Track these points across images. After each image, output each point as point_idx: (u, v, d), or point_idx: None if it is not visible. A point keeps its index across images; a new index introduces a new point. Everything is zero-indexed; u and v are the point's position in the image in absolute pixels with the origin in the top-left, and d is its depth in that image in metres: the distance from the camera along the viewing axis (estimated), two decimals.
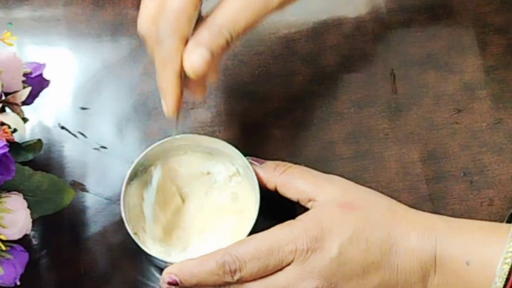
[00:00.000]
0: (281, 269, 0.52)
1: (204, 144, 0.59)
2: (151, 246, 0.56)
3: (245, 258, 0.51)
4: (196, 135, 0.59)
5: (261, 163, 0.58)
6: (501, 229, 0.51)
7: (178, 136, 0.58)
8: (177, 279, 0.52)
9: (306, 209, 0.56)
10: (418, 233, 0.52)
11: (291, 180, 0.56)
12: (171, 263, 0.53)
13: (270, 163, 0.58)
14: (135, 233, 0.56)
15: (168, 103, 0.54)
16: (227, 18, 0.52)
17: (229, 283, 0.52)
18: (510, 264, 0.49)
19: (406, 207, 0.55)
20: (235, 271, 0.51)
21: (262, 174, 0.57)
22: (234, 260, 0.51)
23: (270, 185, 0.57)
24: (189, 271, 0.52)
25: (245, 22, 0.52)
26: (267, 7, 0.53)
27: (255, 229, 0.55)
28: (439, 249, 0.52)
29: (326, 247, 0.51)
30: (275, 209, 0.58)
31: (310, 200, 0.55)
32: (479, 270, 0.50)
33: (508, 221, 0.52)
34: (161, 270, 0.55)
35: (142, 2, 0.54)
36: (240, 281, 0.52)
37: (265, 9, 0.53)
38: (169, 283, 0.53)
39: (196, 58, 0.51)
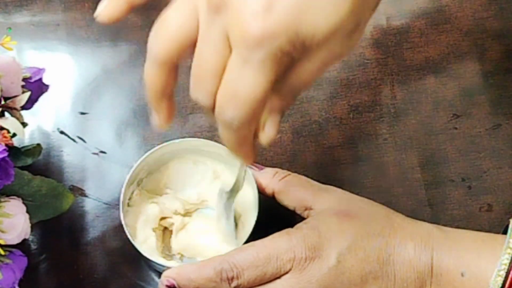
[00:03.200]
0: (279, 277, 0.52)
1: (204, 149, 0.59)
2: (150, 251, 0.56)
3: (242, 266, 0.51)
4: (195, 139, 0.59)
5: (260, 169, 0.58)
6: (496, 240, 0.51)
7: (177, 141, 0.58)
8: (175, 283, 0.52)
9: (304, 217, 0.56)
10: (415, 243, 0.52)
11: (289, 187, 0.57)
12: (169, 267, 0.53)
13: (269, 170, 0.58)
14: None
15: (247, 162, 0.49)
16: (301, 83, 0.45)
17: None
18: (503, 276, 0.49)
19: (403, 217, 0.55)
20: (232, 278, 0.51)
21: (260, 180, 0.57)
22: (231, 268, 0.51)
23: (268, 191, 0.57)
24: (187, 276, 0.52)
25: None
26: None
27: (254, 235, 0.55)
28: (436, 260, 0.52)
29: (324, 256, 0.51)
30: (274, 216, 0.58)
31: (306, 209, 0.56)
32: (474, 281, 0.50)
33: (505, 232, 0.52)
34: (160, 274, 0.55)
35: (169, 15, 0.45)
36: None
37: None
38: (167, 286, 0.53)
39: (272, 130, 0.46)
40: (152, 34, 0.45)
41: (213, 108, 0.43)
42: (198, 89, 0.43)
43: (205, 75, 0.42)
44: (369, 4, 0.45)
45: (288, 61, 0.42)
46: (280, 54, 0.40)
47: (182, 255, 0.58)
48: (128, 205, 0.58)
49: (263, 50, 0.40)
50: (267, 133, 0.46)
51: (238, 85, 0.41)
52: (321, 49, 0.42)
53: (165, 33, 0.44)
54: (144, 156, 0.57)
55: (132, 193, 0.58)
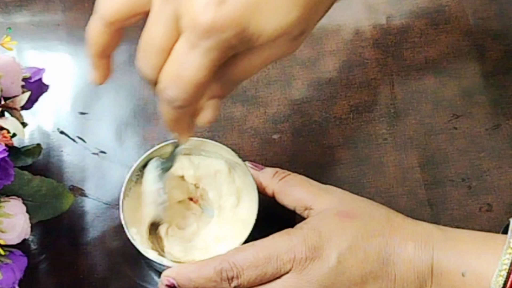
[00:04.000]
0: (279, 277, 0.52)
1: (204, 148, 0.59)
2: (150, 250, 0.56)
3: (242, 266, 0.51)
4: (195, 139, 0.59)
5: (260, 169, 0.58)
6: (497, 240, 0.51)
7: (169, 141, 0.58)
8: (175, 283, 0.52)
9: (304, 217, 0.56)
10: (415, 243, 0.52)
11: (289, 187, 0.57)
12: (169, 267, 0.53)
13: (269, 170, 0.58)
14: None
15: (182, 139, 0.51)
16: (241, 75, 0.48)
17: None
18: (504, 276, 0.49)
19: (403, 216, 0.55)
20: (232, 278, 0.51)
21: (260, 180, 0.57)
22: (231, 267, 0.51)
23: (268, 191, 0.57)
24: (186, 276, 0.52)
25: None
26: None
27: (254, 236, 0.55)
28: (436, 260, 0.52)
29: (325, 256, 0.51)
30: (274, 216, 0.58)
31: (306, 209, 0.56)
32: (474, 281, 0.50)
33: (504, 231, 0.52)
34: (160, 274, 0.55)
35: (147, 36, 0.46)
36: None
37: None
38: (167, 286, 0.53)
39: (210, 114, 0.48)
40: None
41: (155, 82, 0.46)
42: (144, 62, 0.46)
43: (152, 51, 0.45)
44: (318, 12, 0.47)
45: (232, 53, 0.44)
46: (225, 46, 0.43)
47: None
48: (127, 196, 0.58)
49: (210, 40, 0.42)
50: (205, 116, 0.48)
51: (183, 67, 0.43)
52: (265, 47, 0.45)
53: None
54: (143, 155, 0.57)
55: (130, 189, 0.58)
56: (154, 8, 0.44)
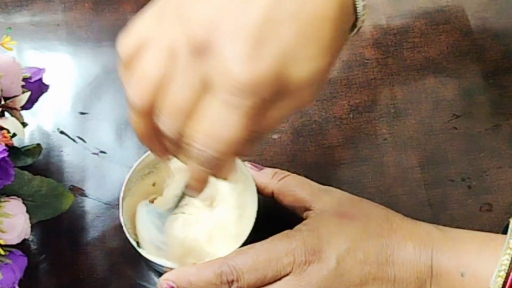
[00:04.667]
0: (279, 279, 0.52)
1: None
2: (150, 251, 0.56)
3: (242, 269, 0.51)
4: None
5: (259, 169, 0.58)
6: (496, 240, 0.51)
7: None
8: (175, 286, 0.52)
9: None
10: (414, 243, 0.52)
11: (288, 188, 0.57)
12: (169, 268, 0.53)
13: (268, 170, 0.58)
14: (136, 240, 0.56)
15: (197, 191, 0.49)
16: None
17: None
18: (503, 276, 0.49)
19: (402, 217, 0.55)
20: (232, 281, 0.51)
21: (259, 180, 0.57)
22: (231, 271, 0.51)
23: (267, 191, 0.57)
24: (186, 279, 0.52)
25: None
26: None
27: (254, 236, 0.55)
28: (435, 260, 0.52)
29: (324, 258, 0.51)
30: (274, 216, 0.58)
31: (305, 210, 0.56)
32: (474, 282, 0.50)
33: (504, 231, 0.52)
34: (159, 274, 0.55)
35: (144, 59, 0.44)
36: None
37: None
38: None
39: (230, 171, 0.47)
40: (128, 80, 0.45)
41: (177, 143, 0.44)
42: (169, 126, 0.43)
43: (179, 114, 0.43)
44: (336, 57, 0.46)
45: (266, 107, 0.42)
46: (264, 101, 0.41)
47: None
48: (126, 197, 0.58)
49: (248, 97, 0.40)
50: (224, 172, 0.46)
51: (220, 126, 0.42)
52: (293, 96, 0.43)
53: (143, 83, 0.44)
54: (143, 156, 0.57)
55: (130, 190, 0.58)
56: (179, 70, 0.42)
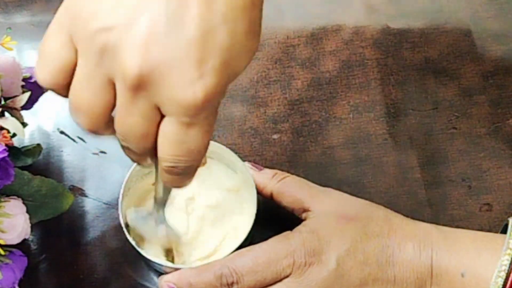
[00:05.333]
0: (279, 281, 0.52)
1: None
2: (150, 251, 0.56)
3: (242, 271, 0.51)
4: None
5: (259, 170, 0.58)
6: (496, 240, 0.51)
7: None
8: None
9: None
10: (414, 244, 0.52)
11: (288, 189, 0.57)
12: (168, 267, 0.54)
13: (268, 171, 0.58)
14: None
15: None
16: None
17: None
18: (504, 277, 0.49)
19: (402, 217, 0.55)
20: (232, 283, 0.51)
21: (259, 180, 0.57)
22: (231, 273, 0.51)
23: (266, 191, 0.57)
24: (187, 281, 0.52)
25: None
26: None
27: (253, 237, 0.55)
28: (435, 260, 0.52)
29: (324, 260, 0.51)
30: (273, 218, 0.58)
31: (304, 211, 0.56)
32: (474, 282, 0.50)
33: (503, 231, 0.52)
34: (159, 274, 0.55)
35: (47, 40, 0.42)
36: None
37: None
38: None
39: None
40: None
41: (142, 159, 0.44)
42: (130, 153, 0.43)
43: (138, 141, 0.42)
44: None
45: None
46: (216, 108, 0.42)
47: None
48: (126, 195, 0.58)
49: (206, 111, 0.40)
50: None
51: (190, 144, 0.41)
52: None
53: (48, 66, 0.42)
54: None
55: (129, 189, 0.58)
56: (122, 101, 0.40)
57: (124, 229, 0.55)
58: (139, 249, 0.54)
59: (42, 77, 0.42)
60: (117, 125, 0.42)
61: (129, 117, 0.41)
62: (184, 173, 0.43)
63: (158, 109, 0.40)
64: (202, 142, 0.42)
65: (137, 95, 0.40)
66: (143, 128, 0.41)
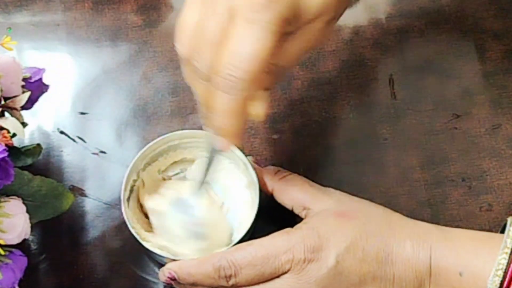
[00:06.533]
0: (278, 277, 0.52)
1: (200, 140, 0.59)
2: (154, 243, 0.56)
3: (241, 264, 0.52)
4: (193, 131, 0.59)
5: (262, 166, 0.58)
6: (494, 239, 0.51)
7: (178, 132, 0.58)
8: (176, 276, 0.53)
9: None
10: (413, 242, 0.52)
11: (288, 186, 0.57)
12: (170, 259, 0.54)
13: (271, 168, 0.58)
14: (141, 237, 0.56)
15: (232, 141, 0.51)
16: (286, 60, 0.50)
17: (224, 287, 0.52)
18: (501, 276, 0.49)
19: (401, 216, 0.55)
20: (230, 276, 0.52)
21: (261, 176, 0.57)
22: (230, 266, 0.52)
23: (267, 188, 0.57)
24: (187, 271, 0.53)
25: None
26: None
27: (254, 234, 0.55)
28: (434, 259, 0.52)
29: (323, 257, 0.51)
30: (274, 215, 0.58)
31: (304, 209, 0.56)
32: (472, 281, 0.51)
33: (503, 231, 0.52)
34: (161, 266, 0.55)
35: (184, 12, 0.48)
36: (235, 286, 0.52)
37: None
38: (168, 278, 0.54)
39: (264, 106, 0.49)
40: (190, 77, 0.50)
41: (209, 78, 0.47)
42: (200, 58, 0.47)
43: (208, 45, 0.46)
44: (345, 3, 0.51)
45: (285, 30, 0.46)
46: (281, 19, 0.45)
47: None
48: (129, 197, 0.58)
49: (268, 13, 0.44)
50: (259, 107, 0.49)
51: (244, 44, 0.45)
52: (306, 30, 0.48)
53: (182, 31, 0.48)
54: (141, 152, 0.58)
55: (133, 186, 0.58)
56: (206, 10, 0.46)
57: (128, 223, 0.55)
58: (141, 241, 0.54)
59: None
60: (196, 30, 0.47)
61: (208, 19, 0.46)
62: (235, 90, 0.46)
63: (232, 14, 0.45)
64: (259, 47, 0.45)
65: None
66: (214, 29, 0.45)
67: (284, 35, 0.47)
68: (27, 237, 0.52)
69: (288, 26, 0.46)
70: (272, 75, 0.49)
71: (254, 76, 0.45)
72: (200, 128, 0.63)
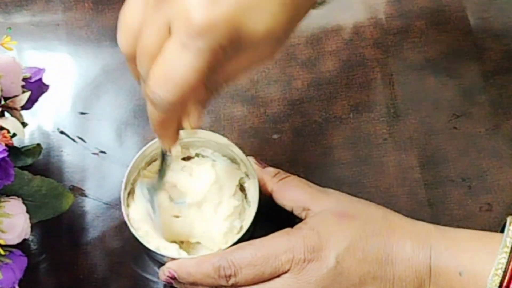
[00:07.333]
0: (277, 276, 0.52)
1: (209, 141, 0.59)
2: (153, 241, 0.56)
3: (240, 264, 0.52)
4: (192, 130, 0.59)
5: (262, 167, 0.58)
6: (494, 239, 0.52)
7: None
8: (176, 275, 0.53)
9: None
10: (413, 242, 0.52)
11: (288, 188, 0.57)
12: (170, 258, 0.54)
13: (271, 169, 0.58)
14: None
15: (167, 146, 0.52)
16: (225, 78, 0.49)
17: (224, 287, 0.52)
18: (501, 275, 0.49)
19: (401, 216, 0.55)
20: (230, 276, 0.52)
21: (261, 177, 0.57)
22: (229, 265, 0.52)
23: (266, 189, 0.57)
24: (186, 270, 0.53)
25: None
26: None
27: (254, 233, 0.55)
28: (434, 259, 0.52)
29: (323, 257, 0.51)
30: (274, 216, 0.58)
31: (304, 210, 0.56)
32: (472, 281, 0.51)
33: (502, 230, 0.52)
34: (161, 265, 0.55)
35: (124, 10, 0.47)
36: (235, 286, 0.52)
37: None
38: (168, 277, 0.54)
39: (196, 119, 0.49)
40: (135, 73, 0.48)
41: None
42: (140, 66, 0.46)
43: (146, 58, 0.45)
44: (300, 16, 0.47)
45: (221, 56, 0.44)
46: (217, 47, 0.43)
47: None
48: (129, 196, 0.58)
49: (203, 40, 0.42)
50: (191, 121, 0.48)
51: (173, 68, 0.43)
52: (252, 49, 0.45)
53: (123, 31, 0.47)
54: (140, 151, 0.58)
55: (133, 185, 0.58)
56: (147, 17, 0.45)
57: (128, 222, 0.55)
58: (143, 241, 0.54)
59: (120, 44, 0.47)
60: (138, 43, 0.45)
61: (147, 30, 0.44)
62: (162, 108, 0.45)
63: (169, 30, 0.43)
64: (188, 75, 0.43)
65: (159, 7, 0.44)
66: (150, 41, 0.44)
67: (225, 56, 0.45)
68: (27, 237, 0.52)
69: (227, 52, 0.44)
70: (209, 90, 0.47)
71: (179, 98, 0.44)
72: (200, 128, 0.64)
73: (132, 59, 0.47)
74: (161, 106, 0.45)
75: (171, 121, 0.48)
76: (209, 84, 0.46)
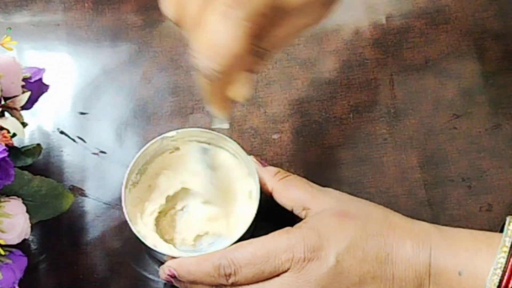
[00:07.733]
0: (277, 275, 0.52)
1: (211, 141, 0.59)
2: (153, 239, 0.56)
3: (240, 263, 0.52)
4: (193, 129, 0.59)
5: (264, 166, 0.58)
6: (493, 239, 0.52)
7: (180, 131, 0.59)
8: (176, 273, 0.53)
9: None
10: (413, 242, 0.52)
11: (288, 187, 0.57)
12: (170, 256, 0.54)
13: (271, 168, 0.58)
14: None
15: (218, 113, 0.52)
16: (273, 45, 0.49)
17: (224, 285, 0.52)
18: (500, 275, 0.50)
19: (401, 216, 0.55)
20: (230, 274, 0.52)
21: (261, 176, 0.57)
22: (229, 264, 0.52)
23: (266, 188, 0.57)
24: (186, 268, 0.53)
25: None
26: None
27: (254, 232, 0.55)
28: (433, 259, 0.52)
29: (323, 256, 0.51)
30: (274, 215, 0.58)
31: (304, 209, 0.56)
32: (471, 280, 0.51)
33: (502, 230, 0.52)
34: (161, 263, 0.56)
35: None
36: (235, 284, 0.52)
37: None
38: (168, 275, 0.54)
39: (246, 88, 0.49)
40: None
41: None
42: (184, 30, 0.46)
43: (188, 20, 0.45)
44: None
45: (265, 22, 0.44)
46: (257, 15, 0.43)
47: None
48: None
49: (241, 8, 0.42)
50: (240, 90, 0.48)
51: (216, 37, 0.44)
52: (297, 15, 0.45)
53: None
54: (140, 151, 0.58)
55: (133, 185, 0.58)
56: None
57: (129, 222, 0.55)
58: (143, 239, 0.54)
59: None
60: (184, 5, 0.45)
61: (189, 1, 0.44)
62: (211, 77, 0.45)
63: (210, 2, 0.44)
64: (233, 45, 0.43)
65: None
66: (193, 10, 0.44)
67: (268, 23, 0.45)
68: (27, 237, 0.52)
69: (270, 19, 0.45)
70: (257, 57, 0.48)
71: (226, 67, 0.45)
72: (200, 127, 0.64)
73: (180, 25, 0.47)
74: (208, 75, 0.45)
75: (221, 88, 0.48)
76: (256, 51, 0.47)
